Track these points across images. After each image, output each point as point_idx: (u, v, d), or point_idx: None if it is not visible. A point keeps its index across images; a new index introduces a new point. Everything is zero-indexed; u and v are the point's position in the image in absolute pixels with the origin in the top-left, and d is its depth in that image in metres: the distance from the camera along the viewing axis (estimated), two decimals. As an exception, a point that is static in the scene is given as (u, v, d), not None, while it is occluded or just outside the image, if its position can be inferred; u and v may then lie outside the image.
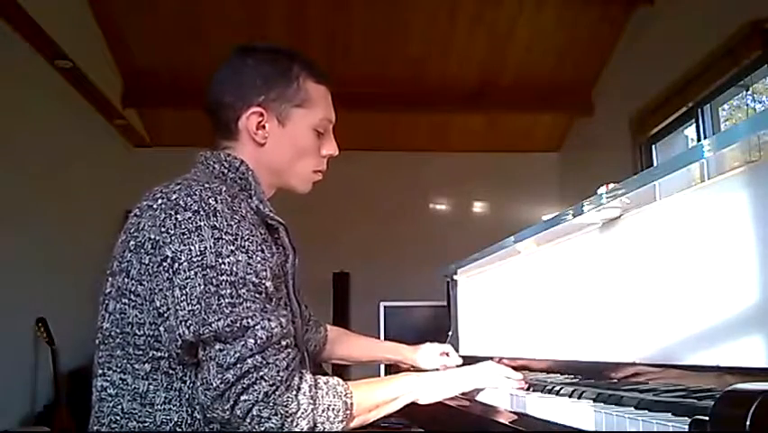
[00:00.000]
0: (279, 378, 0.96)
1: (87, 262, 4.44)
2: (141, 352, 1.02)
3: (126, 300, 1.03)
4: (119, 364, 1.03)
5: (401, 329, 3.21)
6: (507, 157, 5.33)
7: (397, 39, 4.36)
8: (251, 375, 0.94)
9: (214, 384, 0.94)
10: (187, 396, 1.00)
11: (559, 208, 1.48)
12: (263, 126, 1.17)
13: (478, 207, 5.64)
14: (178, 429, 0.99)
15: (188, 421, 1.00)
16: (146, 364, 1.01)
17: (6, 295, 3.37)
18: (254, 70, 1.19)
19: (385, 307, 3.34)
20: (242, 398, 0.93)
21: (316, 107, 1.21)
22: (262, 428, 0.94)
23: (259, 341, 0.95)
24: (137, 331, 1.02)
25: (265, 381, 0.94)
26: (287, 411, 0.95)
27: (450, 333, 2.13)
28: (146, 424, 1.00)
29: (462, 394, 1.27)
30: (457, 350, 2.06)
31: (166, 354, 1.01)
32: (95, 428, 1.04)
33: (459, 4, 4.12)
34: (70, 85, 3.96)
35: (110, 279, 1.07)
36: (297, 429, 0.95)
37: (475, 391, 1.26)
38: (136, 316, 1.02)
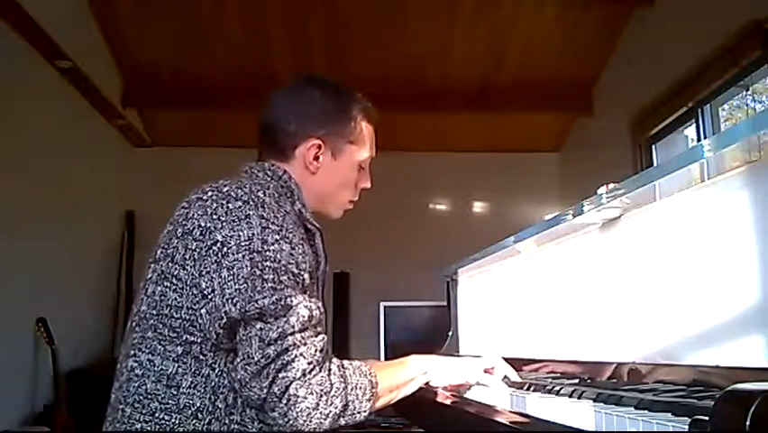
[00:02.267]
0: (316, 359, 1.00)
1: (88, 262, 4.46)
2: (175, 334, 1.05)
3: (168, 284, 1.07)
4: (149, 346, 1.06)
5: (401, 329, 3.21)
6: (507, 157, 5.33)
7: (397, 39, 4.35)
8: (290, 352, 0.98)
9: (255, 358, 0.97)
10: (213, 383, 1.03)
11: (559, 208, 1.48)
12: (318, 157, 1.26)
13: (478, 207, 5.64)
14: (200, 415, 1.02)
15: (210, 409, 1.02)
16: (178, 347, 1.04)
17: (6, 295, 3.36)
18: (320, 104, 1.28)
19: (385, 307, 3.34)
20: (281, 375, 0.96)
21: (365, 146, 1.33)
22: (298, 409, 0.96)
23: (301, 319, 1.00)
24: (174, 314, 1.05)
25: (304, 358, 0.98)
26: (321, 390, 0.98)
27: (450, 333, 2.13)
28: (168, 406, 1.02)
29: (459, 393, 1.27)
30: (457, 350, 2.06)
31: (199, 340, 1.04)
32: (119, 406, 1.06)
33: (459, 4, 4.12)
34: (70, 85, 3.96)
35: (152, 265, 1.11)
36: (332, 408, 0.99)
37: (468, 386, 1.27)
38: (175, 299, 1.06)
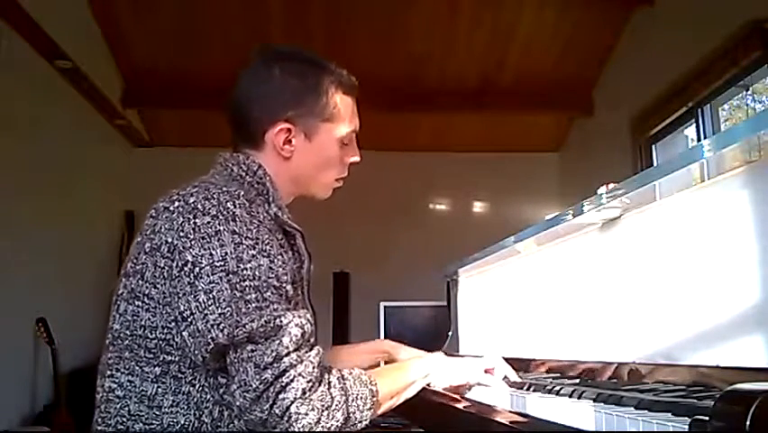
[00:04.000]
0: (315, 375, 0.97)
1: (88, 262, 4.46)
2: (151, 355, 1.02)
3: (139, 303, 1.03)
4: (127, 366, 1.03)
5: (401, 329, 3.21)
6: (507, 157, 5.33)
7: (397, 39, 4.36)
8: (288, 373, 0.95)
9: (254, 385, 0.94)
10: (195, 400, 1.01)
11: (559, 208, 1.48)
12: (289, 141, 1.17)
13: (478, 207, 5.64)
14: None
15: (195, 425, 1.00)
16: (156, 368, 1.01)
17: (6, 295, 3.37)
18: (283, 83, 1.17)
19: (385, 307, 3.34)
20: (281, 396, 0.94)
21: (343, 120, 1.22)
22: (299, 425, 0.94)
23: (294, 338, 0.97)
24: (149, 334, 1.02)
25: (303, 377, 0.95)
26: (323, 405, 0.96)
27: (450, 333, 2.13)
28: (153, 426, 1.00)
29: (459, 393, 1.27)
30: (457, 350, 2.06)
31: (177, 358, 1.01)
32: (98, 428, 1.04)
33: (459, 4, 4.12)
34: (70, 85, 3.96)
35: (123, 280, 1.06)
36: (333, 422, 0.97)
37: (469, 386, 1.27)
38: (149, 319, 1.02)
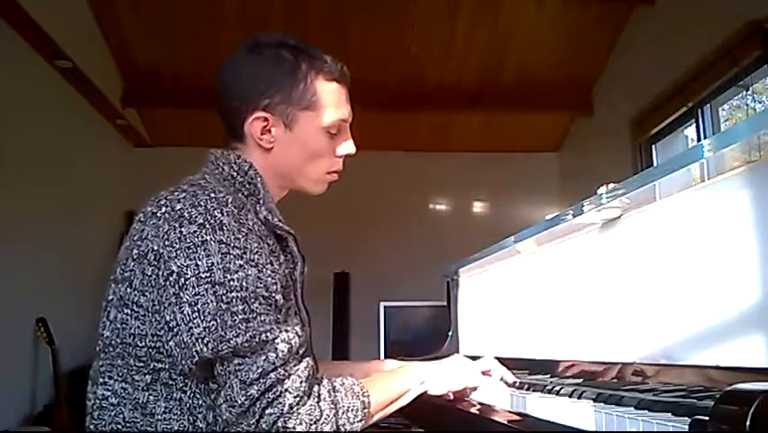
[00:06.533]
0: (303, 389, 0.96)
1: (88, 263, 4.45)
2: (141, 363, 1.01)
3: (128, 311, 1.02)
4: (120, 374, 1.02)
5: (401, 329, 3.21)
6: (507, 157, 5.33)
7: (397, 39, 4.36)
8: (275, 389, 0.93)
9: (239, 401, 0.92)
10: (187, 405, 1.00)
11: (559, 208, 1.48)
12: (269, 131, 1.12)
13: (478, 207, 5.64)
14: None
15: (190, 430, 0.99)
16: (146, 376, 1.00)
17: (6, 295, 3.36)
18: (258, 71, 1.13)
19: (385, 307, 3.34)
20: (267, 411, 0.92)
21: (327, 108, 1.14)
22: None
23: (280, 354, 0.95)
24: (138, 342, 1.01)
25: (289, 393, 0.94)
26: (311, 419, 0.95)
27: (450, 333, 2.13)
28: None
29: (460, 398, 1.27)
30: (457, 351, 2.06)
31: (167, 366, 1.00)
32: None
33: (459, 3, 4.12)
34: (70, 85, 3.96)
35: (113, 285, 1.05)
36: None
37: (468, 391, 1.26)
38: (138, 327, 1.01)
